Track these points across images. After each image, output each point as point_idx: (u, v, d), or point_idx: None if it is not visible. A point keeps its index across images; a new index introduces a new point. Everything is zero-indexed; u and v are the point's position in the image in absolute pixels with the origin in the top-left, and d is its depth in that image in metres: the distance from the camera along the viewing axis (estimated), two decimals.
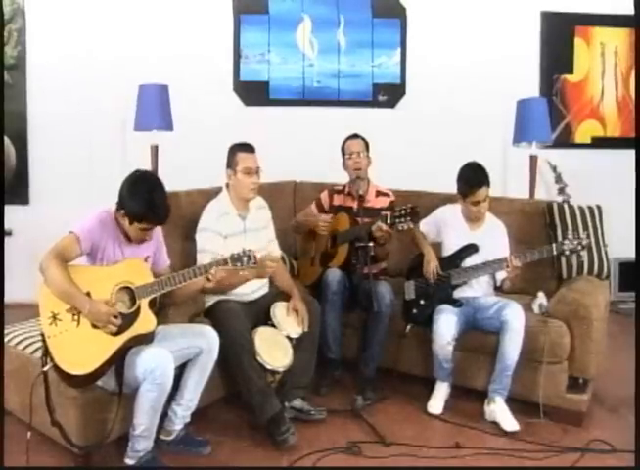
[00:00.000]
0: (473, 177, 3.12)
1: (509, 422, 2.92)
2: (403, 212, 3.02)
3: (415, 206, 3.02)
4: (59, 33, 4.63)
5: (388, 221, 3.05)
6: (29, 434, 2.39)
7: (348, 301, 3.34)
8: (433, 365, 3.14)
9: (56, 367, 2.34)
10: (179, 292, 2.60)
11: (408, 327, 3.27)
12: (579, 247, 3.00)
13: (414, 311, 3.25)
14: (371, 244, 3.14)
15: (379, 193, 3.54)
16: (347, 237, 3.36)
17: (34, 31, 4.63)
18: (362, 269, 3.22)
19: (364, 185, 3.50)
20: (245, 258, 2.59)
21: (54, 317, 2.35)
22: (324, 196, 3.64)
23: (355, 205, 3.43)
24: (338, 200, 3.59)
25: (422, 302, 3.23)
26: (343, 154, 3.54)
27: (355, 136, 3.55)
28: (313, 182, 4.10)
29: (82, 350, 2.34)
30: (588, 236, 3.15)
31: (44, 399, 2.40)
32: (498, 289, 3.27)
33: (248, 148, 3.11)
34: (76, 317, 2.36)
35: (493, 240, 3.21)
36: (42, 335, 2.38)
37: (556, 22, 5.05)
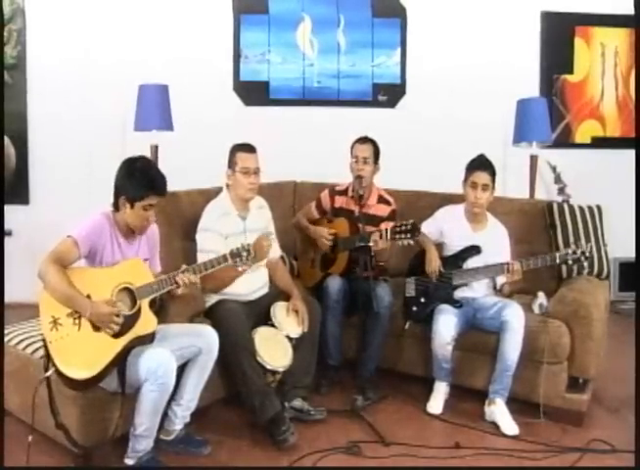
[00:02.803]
0: (477, 160, 3.23)
1: (509, 426, 2.92)
2: (404, 228, 3.02)
3: (415, 222, 3.04)
4: (59, 34, 4.63)
5: (388, 236, 3.05)
6: (30, 438, 2.37)
7: (348, 306, 3.33)
8: (432, 365, 3.14)
9: (58, 372, 2.32)
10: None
11: (407, 324, 3.28)
12: (582, 258, 3.03)
13: (414, 309, 3.25)
14: (371, 244, 3.13)
15: (381, 199, 3.48)
16: (347, 246, 3.34)
17: (34, 31, 4.63)
18: (362, 273, 3.17)
19: (366, 185, 3.41)
20: (244, 254, 2.62)
21: (54, 322, 2.34)
22: (324, 196, 3.61)
23: (357, 209, 3.34)
24: (339, 202, 3.55)
25: (422, 300, 3.24)
26: (351, 155, 3.47)
27: (365, 140, 3.44)
28: (313, 182, 4.09)
29: (84, 353, 2.33)
30: (591, 248, 3.15)
31: (47, 402, 2.39)
32: (497, 292, 3.27)
33: (247, 148, 3.11)
34: (77, 321, 2.35)
35: (495, 242, 3.21)
36: (44, 340, 2.37)
37: (556, 22, 5.05)
